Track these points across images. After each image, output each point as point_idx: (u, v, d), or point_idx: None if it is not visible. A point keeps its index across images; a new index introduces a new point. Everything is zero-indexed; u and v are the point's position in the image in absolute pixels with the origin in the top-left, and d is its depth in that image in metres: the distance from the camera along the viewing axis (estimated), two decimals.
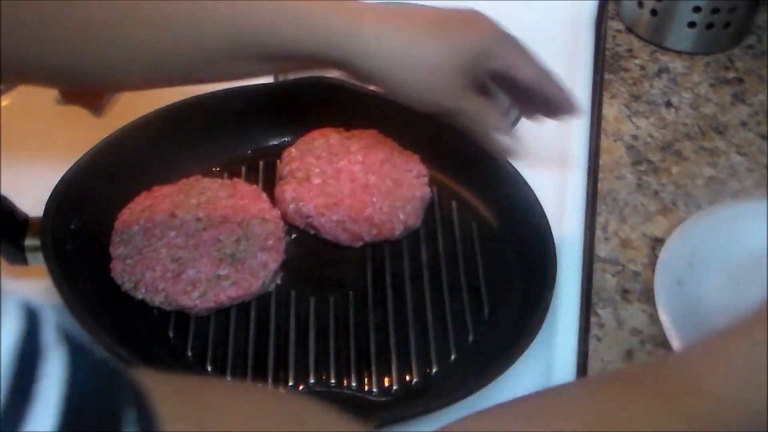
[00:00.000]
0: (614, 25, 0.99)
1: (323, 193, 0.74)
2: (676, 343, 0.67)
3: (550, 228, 0.71)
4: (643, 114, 0.89)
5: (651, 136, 0.87)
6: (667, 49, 0.96)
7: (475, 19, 0.61)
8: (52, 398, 0.26)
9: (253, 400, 0.38)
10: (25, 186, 0.71)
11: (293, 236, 0.75)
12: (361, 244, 0.74)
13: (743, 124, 0.88)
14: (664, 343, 0.68)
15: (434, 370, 0.66)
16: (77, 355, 0.27)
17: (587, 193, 0.80)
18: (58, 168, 0.70)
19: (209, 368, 0.66)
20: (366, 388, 0.65)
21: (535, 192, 0.73)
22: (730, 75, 0.93)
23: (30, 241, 0.67)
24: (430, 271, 0.73)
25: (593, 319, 0.71)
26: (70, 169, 0.71)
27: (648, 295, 0.72)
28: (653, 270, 0.72)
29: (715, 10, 0.91)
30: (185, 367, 0.66)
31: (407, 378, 0.66)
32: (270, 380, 0.65)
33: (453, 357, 0.67)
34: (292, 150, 0.78)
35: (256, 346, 0.67)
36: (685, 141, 0.86)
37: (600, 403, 0.46)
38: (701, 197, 0.81)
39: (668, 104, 0.90)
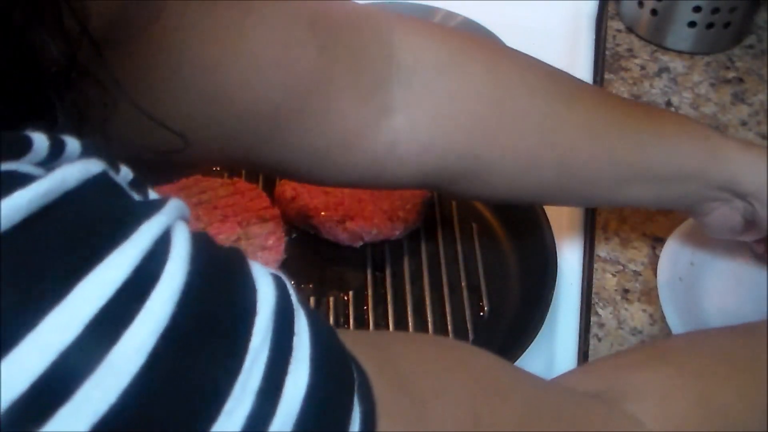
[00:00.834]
0: (614, 24, 0.99)
1: (323, 192, 0.74)
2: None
3: (550, 227, 0.71)
4: None
5: None
6: (667, 49, 0.96)
7: None
8: (305, 352, 0.28)
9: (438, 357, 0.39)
10: None
11: (293, 236, 0.75)
12: (361, 244, 0.74)
13: (743, 123, 0.88)
14: None
15: None
16: (312, 316, 0.31)
17: None
18: None
19: None
20: None
21: None
22: (730, 75, 0.93)
23: None
24: (430, 271, 0.73)
25: (593, 319, 0.71)
26: None
27: (648, 295, 0.72)
28: (654, 270, 0.72)
29: (716, 10, 0.91)
30: None
31: None
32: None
33: None
34: None
35: None
36: None
37: None
38: None
39: (668, 104, 0.90)
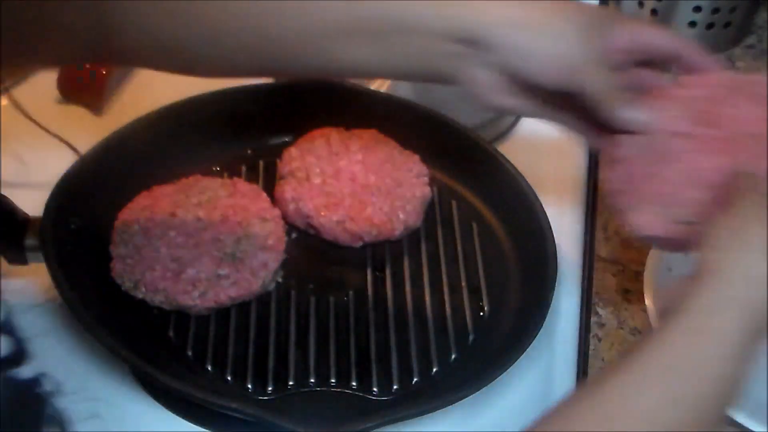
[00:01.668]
0: None
1: (323, 192, 0.74)
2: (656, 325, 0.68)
3: (550, 227, 0.71)
4: None
5: None
6: None
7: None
8: None
9: None
10: (25, 186, 0.71)
11: (293, 236, 0.75)
12: (361, 244, 0.74)
13: None
14: None
15: (434, 370, 0.66)
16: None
17: (587, 193, 0.80)
18: (58, 168, 0.70)
19: (209, 368, 0.66)
20: (367, 387, 0.65)
21: (536, 192, 0.73)
22: None
23: (30, 241, 0.67)
24: (430, 271, 0.73)
25: (593, 319, 0.71)
26: (70, 169, 0.71)
27: None
28: None
29: (716, 10, 0.91)
30: (185, 367, 0.66)
31: (408, 378, 0.66)
32: (270, 380, 0.65)
33: (453, 357, 0.67)
34: (292, 150, 0.78)
35: (256, 346, 0.67)
36: None
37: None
38: None
39: None
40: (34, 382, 0.43)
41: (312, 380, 0.65)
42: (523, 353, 0.63)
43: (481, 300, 0.71)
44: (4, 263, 0.69)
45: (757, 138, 0.56)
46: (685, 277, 0.47)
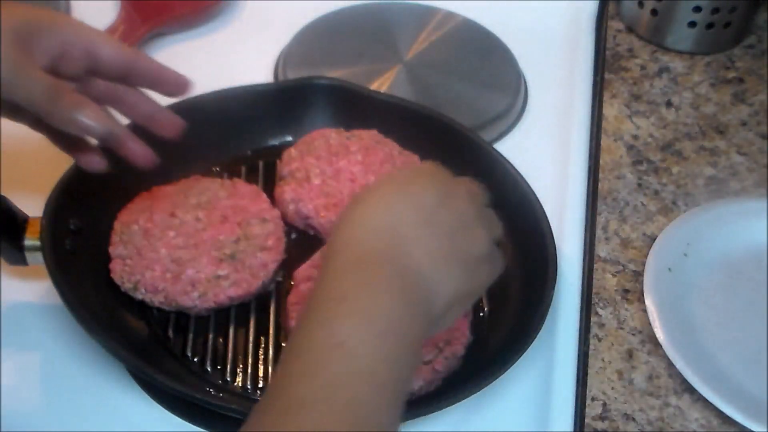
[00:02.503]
0: (614, 25, 0.99)
1: (323, 193, 0.74)
2: (656, 326, 0.68)
3: (550, 228, 0.71)
4: (644, 114, 0.89)
5: (651, 135, 0.86)
6: (667, 49, 0.96)
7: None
8: None
9: None
10: (25, 186, 0.71)
11: (293, 237, 0.75)
12: None
13: (743, 124, 0.88)
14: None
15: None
16: None
17: (587, 193, 0.80)
18: (58, 168, 0.70)
19: (209, 369, 0.66)
20: None
21: (535, 192, 0.73)
22: (731, 75, 0.93)
23: (30, 241, 0.67)
24: None
25: (593, 319, 0.71)
26: (69, 169, 0.70)
27: None
28: None
29: (716, 10, 0.91)
30: (185, 367, 0.66)
31: None
32: (270, 381, 0.65)
33: None
34: (292, 150, 0.78)
35: (256, 346, 0.67)
36: (686, 141, 0.86)
37: None
38: (701, 197, 0.81)
39: (668, 104, 0.90)
40: None
41: None
42: (523, 353, 0.63)
43: (481, 300, 0.71)
44: (4, 263, 0.69)
45: None
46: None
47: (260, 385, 0.65)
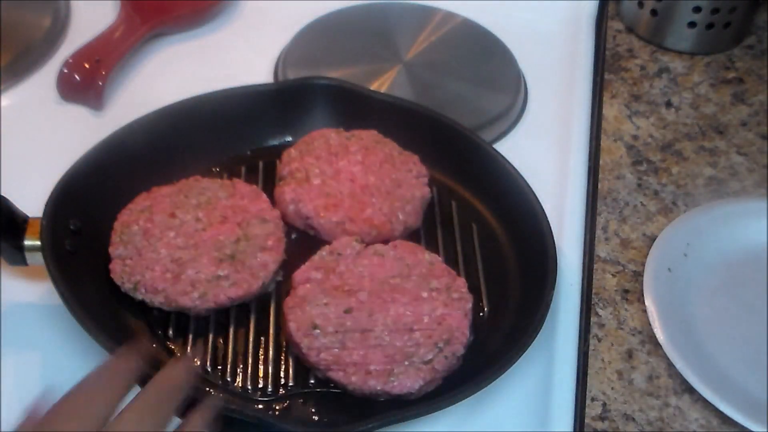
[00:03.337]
0: (614, 25, 0.99)
1: (323, 193, 0.74)
2: (656, 326, 0.68)
3: (550, 228, 0.71)
4: (643, 114, 0.89)
5: (651, 136, 0.87)
6: (667, 49, 0.96)
7: None
8: None
9: None
10: (25, 186, 0.71)
11: (293, 237, 0.75)
12: None
13: (743, 124, 0.88)
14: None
15: None
16: None
17: (587, 193, 0.80)
18: (58, 168, 0.70)
19: (209, 369, 0.66)
20: None
21: (535, 192, 0.73)
22: (730, 75, 0.93)
23: (30, 242, 0.67)
24: None
25: (593, 319, 0.71)
26: (69, 169, 0.71)
27: None
28: None
29: (715, 10, 0.91)
30: None
31: None
32: (270, 381, 0.65)
33: None
34: (292, 150, 0.78)
35: (255, 346, 0.67)
36: (685, 141, 0.86)
37: None
38: (701, 197, 0.81)
39: (668, 104, 0.90)
40: None
41: (312, 381, 0.65)
42: (523, 353, 0.63)
43: (481, 300, 0.71)
44: (4, 264, 0.69)
45: None
46: None
47: (260, 385, 0.65)
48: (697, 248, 0.74)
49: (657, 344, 0.68)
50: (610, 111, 0.89)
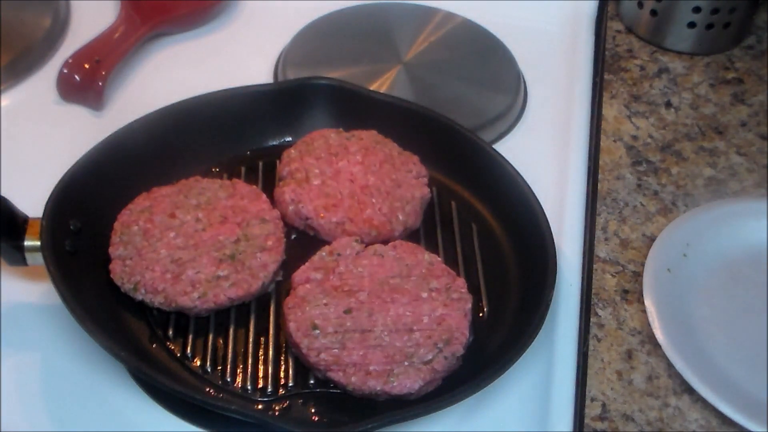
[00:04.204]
0: (614, 25, 0.99)
1: (322, 194, 0.74)
2: (656, 326, 0.68)
3: (550, 228, 0.71)
4: (643, 114, 0.89)
5: (651, 136, 0.87)
6: (667, 50, 0.96)
7: None
8: None
9: None
10: (25, 186, 0.71)
11: (293, 237, 0.75)
12: None
13: (743, 124, 0.88)
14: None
15: None
16: None
17: (587, 193, 0.80)
18: (58, 168, 0.70)
19: (209, 369, 0.66)
20: None
21: (535, 192, 0.73)
22: (730, 75, 0.93)
23: (30, 242, 0.67)
24: None
25: (593, 319, 0.71)
26: (69, 169, 0.71)
27: None
28: None
29: (715, 11, 0.92)
30: (185, 368, 0.66)
31: None
32: (270, 381, 0.65)
33: None
34: (292, 151, 0.78)
35: (255, 347, 0.67)
36: (685, 141, 0.86)
37: None
38: (701, 197, 0.81)
39: (668, 104, 0.90)
40: None
41: (311, 381, 0.65)
42: (523, 353, 0.63)
43: (481, 300, 0.71)
44: (4, 264, 0.69)
45: None
46: None
47: (260, 385, 0.65)
48: (697, 248, 0.74)
49: (656, 344, 0.68)
50: (609, 111, 0.89)
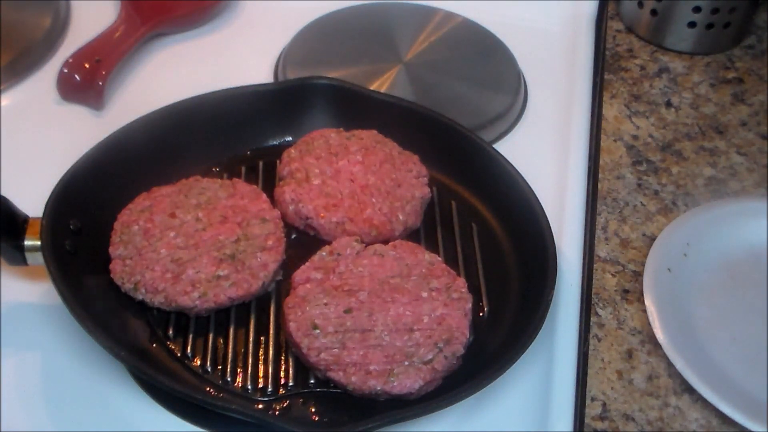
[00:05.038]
0: (614, 25, 0.99)
1: (323, 194, 0.74)
2: (656, 326, 0.68)
3: (550, 228, 0.71)
4: (643, 114, 0.89)
5: (651, 136, 0.87)
6: (667, 49, 0.96)
7: None
8: None
9: None
10: (25, 186, 0.71)
11: (293, 237, 0.75)
12: None
13: (743, 124, 0.88)
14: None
15: None
16: None
17: (587, 193, 0.80)
18: (58, 168, 0.70)
19: (209, 369, 0.66)
20: None
21: (535, 192, 0.73)
22: (730, 75, 0.93)
23: (29, 242, 0.67)
24: None
25: (593, 319, 0.71)
26: (70, 169, 0.71)
27: None
28: None
29: (715, 10, 0.92)
30: (185, 367, 0.66)
31: None
32: (270, 381, 0.65)
33: None
34: (292, 150, 0.78)
35: (255, 346, 0.67)
36: (685, 141, 0.86)
37: None
38: (701, 197, 0.81)
39: (668, 104, 0.90)
40: None
41: (312, 381, 0.65)
42: (523, 353, 0.63)
43: (481, 300, 0.71)
44: (4, 264, 0.69)
45: None
46: None
47: (260, 385, 0.65)
48: (697, 248, 0.74)
49: (657, 344, 0.68)
50: (610, 111, 0.89)
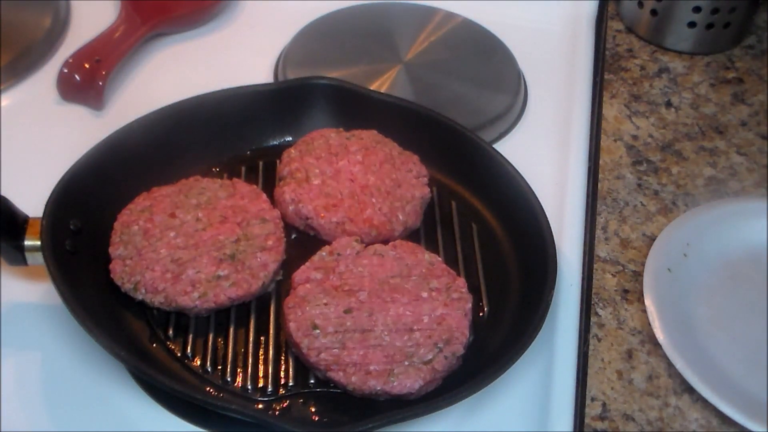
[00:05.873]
0: (614, 25, 0.99)
1: (322, 194, 0.74)
2: (656, 326, 0.68)
3: (550, 228, 0.71)
4: (643, 114, 0.89)
5: (651, 136, 0.87)
6: (667, 49, 0.96)
7: None
8: None
9: None
10: (25, 186, 0.71)
11: (293, 237, 0.75)
12: None
13: (743, 124, 0.88)
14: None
15: None
16: None
17: (587, 193, 0.80)
18: (58, 168, 0.70)
19: (209, 369, 0.66)
20: None
21: (535, 192, 0.73)
22: (730, 75, 0.93)
23: (29, 242, 0.67)
24: None
25: (593, 318, 0.71)
26: (70, 169, 0.71)
27: None
28: None
29: (715, 11, 0.92)
30: (185, 367, 0.66)
31: None
32: (270, 381, 0.65)
33: None
34: (292, 150, 0.78)
35: (255, 346, 0.67)
36: (685, 141, 0.86)
37: None
38: (701, 197, 0.81)
39: (668, 104, 0.90)
40: None
41: (312, 381, 0.65)
42: (523, 353, 0.63)
43: (481, 300, 0.71)
44: (4, 264, 0.69)
45: None
46: None
47: (260, 385, 0.65)
48: (697, 248, 0.74)
49: (657, 344, 0.68)
50: (609, 111, 0.89)
